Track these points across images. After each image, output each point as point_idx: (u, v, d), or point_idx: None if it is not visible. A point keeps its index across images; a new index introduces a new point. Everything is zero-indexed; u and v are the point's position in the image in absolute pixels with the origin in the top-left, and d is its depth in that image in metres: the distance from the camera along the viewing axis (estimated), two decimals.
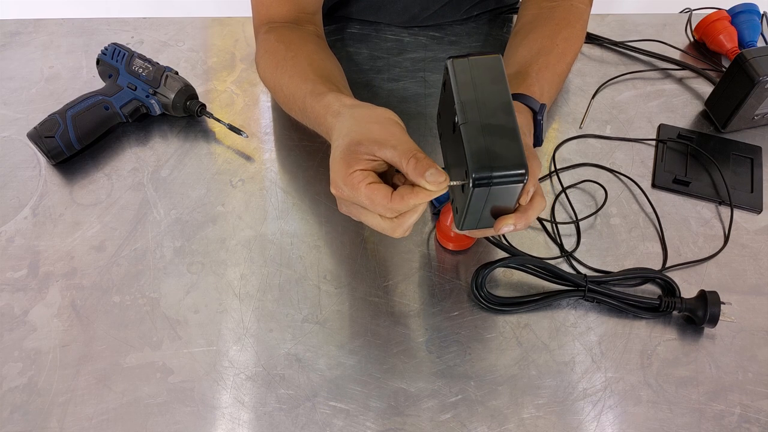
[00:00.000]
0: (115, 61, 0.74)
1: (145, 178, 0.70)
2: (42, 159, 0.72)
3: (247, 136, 0.73)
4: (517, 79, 0.64)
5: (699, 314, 0.58)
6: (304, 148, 0.73)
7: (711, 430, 0.54)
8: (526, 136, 0.58)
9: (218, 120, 0.73)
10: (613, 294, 0.59)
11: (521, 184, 0.44)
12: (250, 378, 0.56)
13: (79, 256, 0.64)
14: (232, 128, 0.72)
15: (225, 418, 0.54)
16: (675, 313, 0.60)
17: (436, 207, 0.67)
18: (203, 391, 0.56)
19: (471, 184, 0.43)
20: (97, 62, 0.75)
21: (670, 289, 0.60)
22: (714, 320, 0.57)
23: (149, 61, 0.74)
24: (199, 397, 0.55)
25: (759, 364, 0.57)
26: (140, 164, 0.72)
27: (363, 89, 0.80)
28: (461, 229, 0.50)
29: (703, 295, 0.58)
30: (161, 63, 0.75)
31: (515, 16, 0.89)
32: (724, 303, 0.57)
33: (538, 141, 0.61)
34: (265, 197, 0.69)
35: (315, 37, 0.72)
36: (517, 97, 0.61)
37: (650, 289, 0.62)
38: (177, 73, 0.75)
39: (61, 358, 0.57)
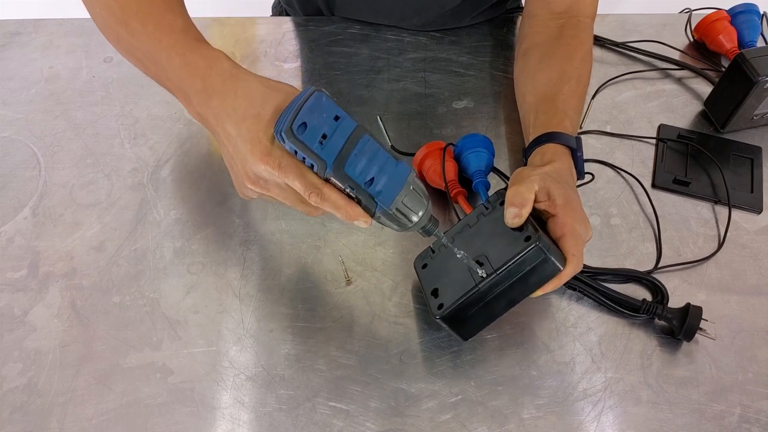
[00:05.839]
0: None
1: (145, 178, 0.70)
2: (42, 159, 0.72)
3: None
4: (546, 114, 0.63)
5: (675, 324, 0.57)
6: None
7: (711, 430, 0.54)
8: (571, 177, 0.58)
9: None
10: (596, 286, 0.59)
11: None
12: (250, 378, 0.56)
13: (79, 256, 0.64)
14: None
15: (225, 419, 0.54)
16: (656, 320, 0.59)
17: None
18: (203, 392, 0.56)
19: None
20: None
21: (659, 292, 0.60)
22: (690, 335, 0.57)
23: None
24: (199, 398, 0.55)
25: (759, 364, 0.57)
26: (140, 164, 0.72)
27: (363, 89, 0.79)
28: None
29: (686, 308, 0.57)
30: None
31: (517, 15, 0.89)
32: (706, 320, 0.57)
33: (580, 175, 0.61)
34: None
35: None
36: (552, 137, 0.60)
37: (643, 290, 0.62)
38: None
39: (61, 359, 0.57)
